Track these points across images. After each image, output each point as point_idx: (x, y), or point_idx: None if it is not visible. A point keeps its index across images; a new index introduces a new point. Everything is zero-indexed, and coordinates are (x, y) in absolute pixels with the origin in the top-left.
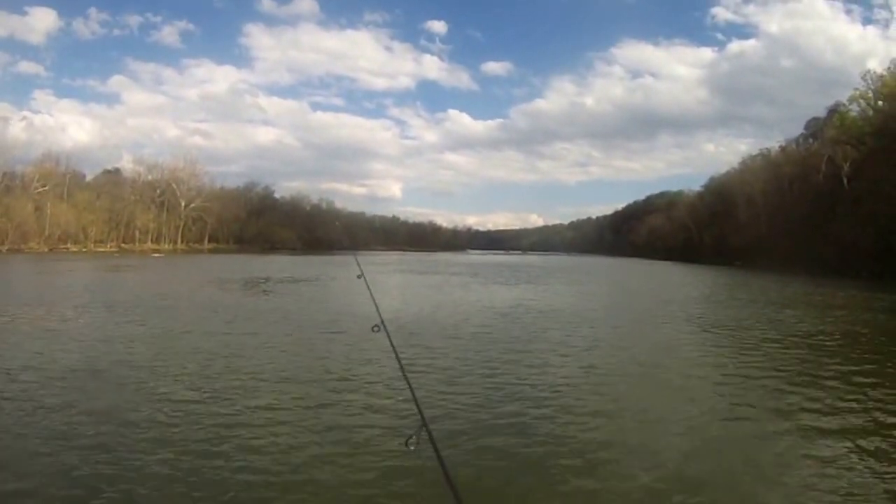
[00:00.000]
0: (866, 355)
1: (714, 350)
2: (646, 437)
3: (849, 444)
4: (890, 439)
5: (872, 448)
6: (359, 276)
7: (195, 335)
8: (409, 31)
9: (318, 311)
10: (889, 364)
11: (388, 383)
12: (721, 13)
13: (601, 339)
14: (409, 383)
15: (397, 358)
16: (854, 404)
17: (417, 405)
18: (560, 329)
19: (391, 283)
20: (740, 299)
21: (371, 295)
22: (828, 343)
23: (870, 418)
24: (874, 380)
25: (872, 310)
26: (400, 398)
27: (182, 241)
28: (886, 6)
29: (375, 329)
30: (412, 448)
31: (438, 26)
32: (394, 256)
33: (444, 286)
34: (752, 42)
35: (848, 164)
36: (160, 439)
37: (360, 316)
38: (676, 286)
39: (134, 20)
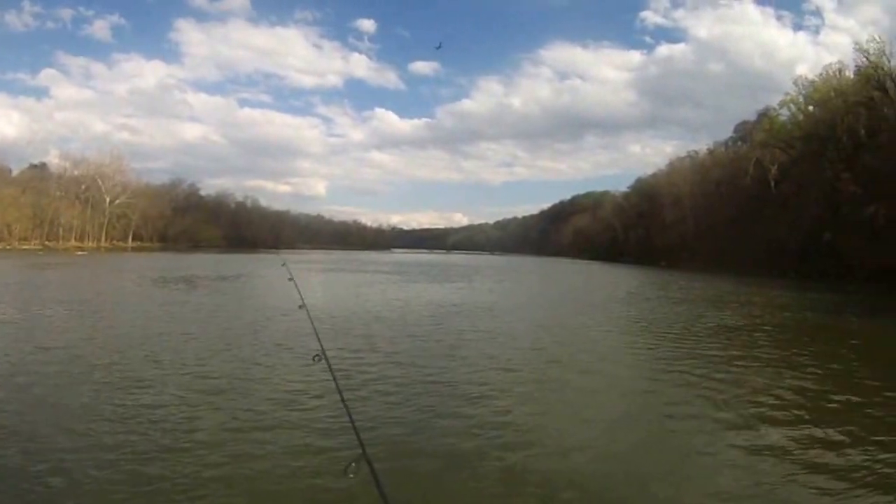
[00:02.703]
0: (786, 347)
1: (645, 351)
2: (587, 445)
3: (768, 431)
4: (796, 424)
5: (790, 436)
6: (289, 279)
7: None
8: (338, 30)
9: (249, 331)
10: (807, 354)
11: (326, 405)
12: (650, 17)
13: (531, 342)
14: (347, 409)
15: (338, 388)
16: (772, 397)
17: (356, 432)
18: (491, 331)
19: (321, 284)
20: (667, 298)
21: (311, 323)
22: (753, 335)
23: (785, 404)
24: (795, 370)
25: (797, 307)
26: (339, 421)
27: (106, 239)
28: (818, 13)
29: (317, 359)
30: (352, 476)
31: (368, 25)
32: (319, 255)
33: (372, 285)
34: (681, 46)
35: (776, 166)
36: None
37: (296, 334)
38: (602, 286)
39: (67, 13)
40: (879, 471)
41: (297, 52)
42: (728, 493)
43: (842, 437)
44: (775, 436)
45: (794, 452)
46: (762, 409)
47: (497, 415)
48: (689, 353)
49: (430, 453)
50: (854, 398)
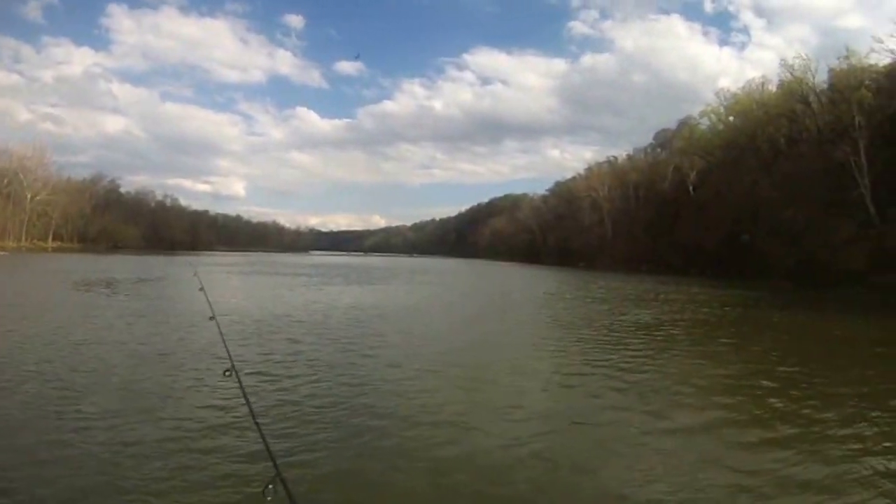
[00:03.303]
0: (704, 341)
1: (567, 348)
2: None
3: (677, 422)
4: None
5: (699, 423)
6: (200, 290)
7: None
8: (266, 24)
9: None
10: (725, 346)
11: (239, 424)
12: (578, 27)
13: (452, 344)
14: (259, 429)
15: (249, 405)
16: (687, 386)
17: (270, 453)
18: (411, 334)
19: (238, 289)
20: (587, 297)
21: (220, 333)
22: (672, 330)
23: (704, 392)
24: (712, 361)
25: (716, 304)
26: (253, 441)
27: (26, 238)
28: (745, 31)
29: (227, 373)
30: (269, 498)
31: (296, 21)
32: (237, 258)
33: (291, 289)
34: (605, 56)
35: (695, 173)
36: None
37: (207, 353)
38: (521, 286)
39: None
40: (793, 447)
41: (223, 44)
42: (648, 479)
43: (755, 420)
44: (697, 423)
45: (714, 438)
46: (684, 398)
47: (418, 426)
48: (611, 349)
49: (349, 470)
50: (770, 384)
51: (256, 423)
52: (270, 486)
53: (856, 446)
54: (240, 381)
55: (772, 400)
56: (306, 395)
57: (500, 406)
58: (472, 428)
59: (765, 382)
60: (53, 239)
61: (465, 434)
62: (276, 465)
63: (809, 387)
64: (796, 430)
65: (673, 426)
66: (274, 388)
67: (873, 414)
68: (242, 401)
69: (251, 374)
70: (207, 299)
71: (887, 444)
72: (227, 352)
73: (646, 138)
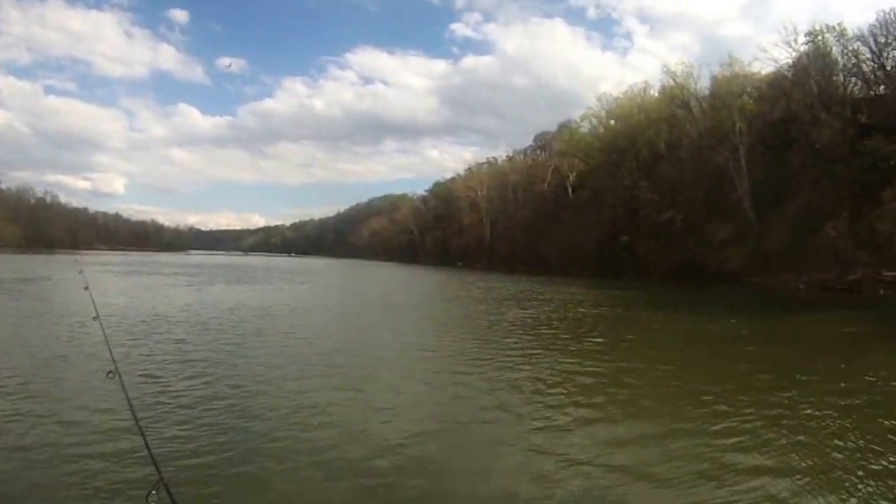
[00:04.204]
0: (582, 338)
1: (448, 347)
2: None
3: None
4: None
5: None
6: (85, 289)
7: None
8: (151, 18)
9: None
10: (602, 343)
11: (122, 427)
12: (460, 29)
13: (333, 344)
14: (142, 431)
15: (131, 408)
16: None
17: (152, 456)
18: (293, 334)
19: (120, 290)
20: (467, 297)
21: (104, 335)
22: (551, 329)
23: (583, 388)
24: (586, 358)
25: (593, 303)
26: (136, 444)
27: None
28: (628, 37)
29: (111, 375)
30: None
31: (181, 15)
32: (118, 258)
33: (173, 288)
34: (487, 59)
35: (574, 174)
36: None
37: (91, 356)
38: (401, 286)
39: None
40: (663, 431)
41: (108, 38)
42: (526, 478)
43: (627, 416)
44: (570, 420)
45: (590, 432)
46: (558, 397)
47: (302, 428)
48: (489, 348)
49: (232, 474)
50: (640, 382)
51: (139, 427)
52: (154, 492)
53: (722, 441)
54: (123, 384)
55: (643, 398)
56: (190, 398)
57: (381, 407)
58: (354, 429)
59: (636, 380)
60: None
61: (348, 436)
62: (158, 470)
63: (680, 384)
64: (662, 427)
65: (550, 424)
66: (158, 390)
67: (744, 410)
68: (126, 403)
69: (135, 375)
70: (92, 300)
71: (743, 438)
72: (111, 353)
73: (526, 140)
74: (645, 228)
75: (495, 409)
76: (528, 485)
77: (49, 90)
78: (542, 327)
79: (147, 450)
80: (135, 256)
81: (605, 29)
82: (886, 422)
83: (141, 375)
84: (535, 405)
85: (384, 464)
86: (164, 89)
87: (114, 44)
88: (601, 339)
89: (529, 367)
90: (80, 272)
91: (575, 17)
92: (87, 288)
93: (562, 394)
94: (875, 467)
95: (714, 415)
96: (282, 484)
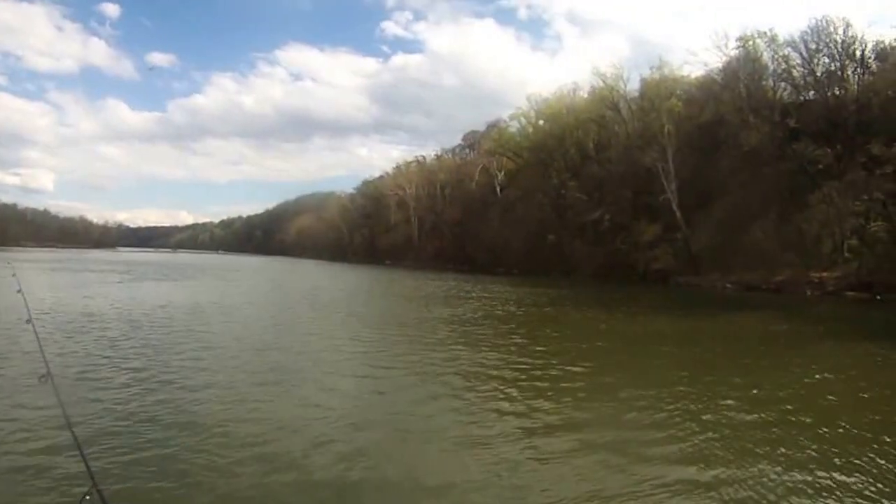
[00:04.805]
0: (508, 334)
1: (378, 345)
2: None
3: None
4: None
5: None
6: (18, 292)
7: None
8: (82, 11)
9: None
10: (527, 338)
11: (53, 432)
12: (391, 27)
13: (262, 342)
14: (74, 436)
15: (64, 412)
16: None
17: (85, 461)
18: (226, 332)
19: (52, 288)
20: (394, 294)
21: (36, 336)
22: (470, 329)
23: (513, 383)
24: (511, 354)
25: (519, 301)
26: (69, 449)
27: None
28: (558, 38)
29: (43, 379)
30: None
31: (112, 9)
32: (47, 255)
33: (103, 286)
34: (417, 57)
35: (503, 173)
36: None
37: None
38: (329, 284)
39: None
40: (577, 414)
41: (38, 31)
42: (458, 464)
43: (549, 406)
44: (495, 411)
45: (508, 423)
46: (486, 388)
47: (236, 431)
48: (416, 346)
49: (167, 470)
50: (565, 374)
51: (72, 432)
52: (87, 497)
53: (636, 434)
54: (55, 387)
55: (561, 392)
56: (123, 398)
57: (313, 402)
58: (288, 424)
59: (556, 374)
60: None
61: (283, 430)
62: (92, 476)
63: (599, 380)
64: (579, 418)
65: (473, 416)
66: (91, 391)
67: (660, 405)
68: (58, 408)
69: (68, 377)
70: (25, 301)
71: (658, 433)
72: (43, 355)
73: (455, 139)
74: (573, 228)
75: (423, 402)
76: (458, 474)
77: None
78: (468, 325)
79: (80, 454)
80: (64, 254)
81: (535, 30)
82: (805, 417)
83: (74, 377)
84: (460, 399)
85: (320, 457)
86: (93, 84)
87: (44, 37)
88: (524, 337)
89: (454, 364)
90: (14, 275)
91: (505, 17)
92: (20, 291)
93: (485, 388)
94: (784, 458)
95: (630, 409)
96: (219, 480)
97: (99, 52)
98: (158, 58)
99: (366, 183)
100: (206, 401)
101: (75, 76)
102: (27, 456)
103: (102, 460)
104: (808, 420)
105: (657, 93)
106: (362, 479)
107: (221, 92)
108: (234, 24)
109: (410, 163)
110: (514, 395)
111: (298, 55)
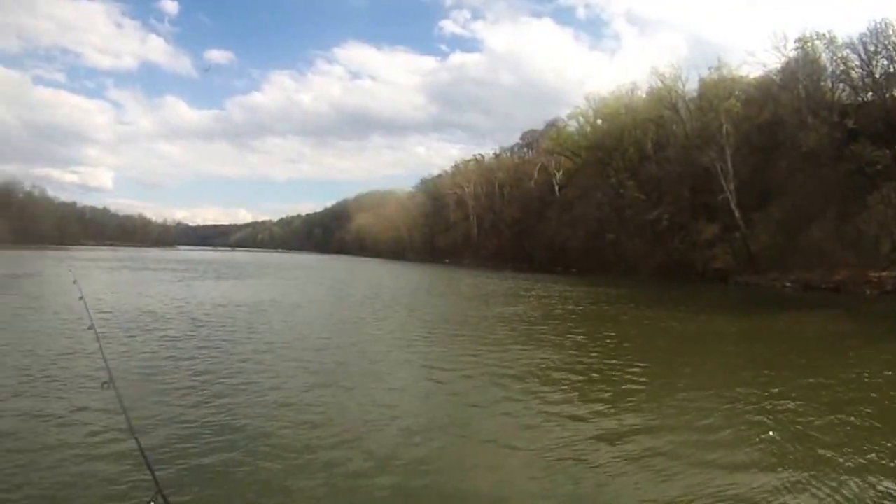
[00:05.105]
0: (572, 333)
1: (442, 344)
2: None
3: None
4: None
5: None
6: (80, 299)
7: None
8: (141, 8)
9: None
10: (589, 337)
11: (118, 438)
12: (449, 26)
13: (329, 342)
14: (139, 443)
15: (128, 419)
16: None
17: (149, 467)
18: (290, 331)
19: (113, 289)
20: (457, 294)
21: (98, 340)
22: (545, 324)
23: (576, 383)
24: (577, 352)
25: (581, 300)
26: (133, 455)
27: None
28: (616, 37)
29: (105, 386)
30: None
31: (171, 6)
32: (108, 254)
33: (167, 284)
34: (475, 56)
35: (561, 172)
36: None
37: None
38: (391, 282)
39: None
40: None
41: (98, 28)
42: (519, 472)
43: (615, 408)
44: (559, 415)
45: (578, 428)
46: (551, 391)
47: (299, 426)
48: (479, 344)
49: (229, 475)
50: (630, 374)
51: (136, 439)
52: (151, 503)
53: (704, 437)
54: (118, 394)
55: (627, 394)
56: (186, 405)
57: (378, 403)
58: (354, 427)
59: (620, 376)
60: None
61: (348, 435)
62: (156, 480)
63: (664, 381)
64: (645, 422)
65: (538, 420)
66: (154, 397)
67: (725, 406)
68: (121, 414)
69: (130, 383)
70: (85, 304)
71: (724, 434)
72: (105, 362)
73: (513, 137)
74: (632, 227)
75: (484, 404)
76: (522, 483)
77: (38, 80)
78: (528, 324)
79: (144, 460)
80: (123, 252)
81: (594, 30)
82: (867, 419)
83: (137, 381)
84: (519, 401)
85: (384, 462)
86: (152, 81)
87: (104, 34)
88: (585, 336)
89: (514, 364)
90: (74, 282)
91: (564, 17)
92: (81, 298)
93: (544, 389)
94: (855, 462)
95: (692, 411)
96: (285, 485)
97: (157, 49)
98: (216, 55)
99: (425, 181)
100: (269, 404)
101: (134, 73)
102: (91, 462)
103: (166, 466)
104: (877, 423)
105: (716, 93)
106: (424, 484)
107: (279, 90)
108: (292, 21)
109: (469, 161)
110: (574, 397)
111: (356, 53)
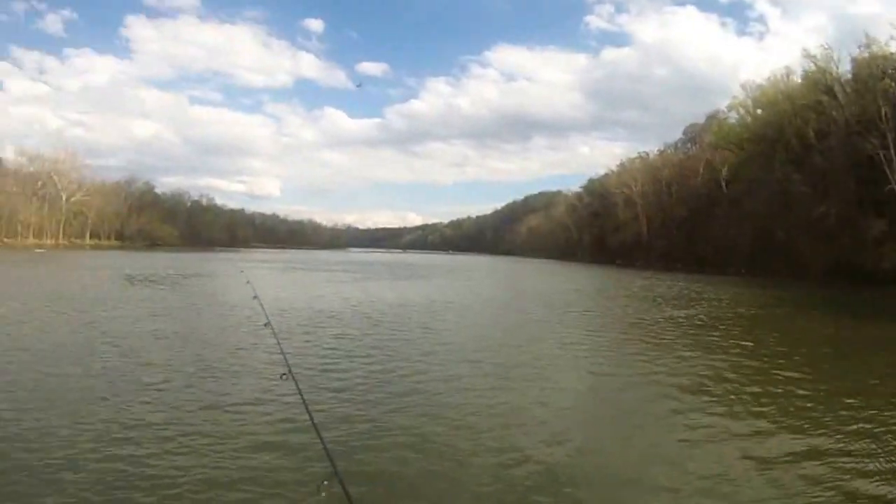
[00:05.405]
0: (757, 339)
1: (616, 347)
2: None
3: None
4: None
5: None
6: (254, 297)
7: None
8: (286, 29)
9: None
10: (778, 346)
11: (296, 426)
12: (595, 21)
13: (502, 341)
14: (316, 428)
15: (306, 407)
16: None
17: (326, 450)
18: (461, 331)
19: (284, 287)
20: (632, 296)
21: (276, 337)
22: (727, 330)
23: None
24: (767, 360)
25: (761, 304)
26: (310, 441)
27: (63, 237)
28: (762, 20)
29: (284, 377)
30: (324, 494)
31: (315, 24)
32: (277, 255)
33: (339, 284)
34: (626, 50)
35: (726, 167)
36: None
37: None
38: (562, 284)
39: (20, 6)
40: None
41: (246, 49)
42: (686, 483)
43: (784, 424)
44: (729, 427)
45: (742, 446)
46: (737, 402)
47: (473, 419)
48: (647, 348)
49: (403, 462)
50: (803, 389)
51: (314, 424)
52: (326, 482)
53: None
54: (296, 384)
55: (800, 410)
56: (361, 394)
57: (545, 402)
58: (525, 429)
59: (794, 389)
60: (90, 237)
61: (516, 433)
62: (333, 463)
63: (837, 398)
64: (816, 441)
65: (697, 424)
66: (329, 385)
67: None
68: (300, 405)
69: (307, 375)
70: (259, 302)
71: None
72: (283, 355)
73: (673, 132)
74: (799, 224)
75: (648, 404)
76: (675, 477)
77: (194, 100)
78: (696, 328)
79: (322, 444)
80: (294, 254)
81: (737, 13)
82: None
83: (314, 373)
84: (684, 403)
85: (551, 452)
86: (308, 95)
87: (253, 55)
88: (753, 342)
89: (681, 367)
90: (248, 282)
91: (706, 2)
92: (255, 297)
93: (708, 393)
94: None
95: (854, 420)
96: (456, 471)
97: (310, 65)
98: (369, 66)
99: (591, 181)
100: (441, 395)
101: (290, 89)
102: (272, 446)
103: (343, 453)
104: None
105: (869, 73)
106: (589, 474)
107: (437, 96)
108: (438, 29)
109: (634, 159)
110: (735, 404)
111: (508, 55)
